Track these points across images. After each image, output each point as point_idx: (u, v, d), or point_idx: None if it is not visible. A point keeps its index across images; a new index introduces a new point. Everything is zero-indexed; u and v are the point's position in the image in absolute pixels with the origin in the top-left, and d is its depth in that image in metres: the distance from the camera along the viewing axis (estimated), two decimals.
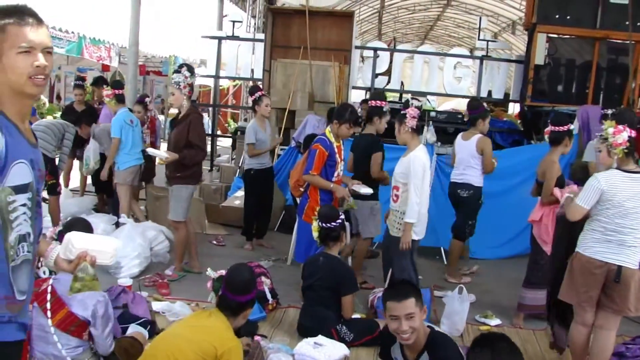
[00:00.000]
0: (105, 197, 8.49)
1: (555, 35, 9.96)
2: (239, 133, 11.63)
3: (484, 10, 21.75)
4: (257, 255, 7.16)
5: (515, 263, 7.09)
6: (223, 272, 3.96)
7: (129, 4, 9.15)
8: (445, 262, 7.36)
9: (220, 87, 14.74)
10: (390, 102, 12.89)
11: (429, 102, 16.43)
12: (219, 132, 16.10)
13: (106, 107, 8.35)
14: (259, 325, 4.92)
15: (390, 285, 3.51)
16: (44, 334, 3.30)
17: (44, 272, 4.00)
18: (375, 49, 10.94)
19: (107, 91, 7.50)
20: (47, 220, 6.63)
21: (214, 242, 7.69)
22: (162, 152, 5.92)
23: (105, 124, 7.82)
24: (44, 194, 6.44)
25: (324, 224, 5.02)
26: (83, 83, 9.65)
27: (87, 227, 3.58)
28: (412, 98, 13.53)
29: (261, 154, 7.25)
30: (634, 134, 3.99)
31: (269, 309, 5.35)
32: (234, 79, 14.26)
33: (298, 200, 6.47)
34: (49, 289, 3.34)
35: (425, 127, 7.81)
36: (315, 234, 5.10)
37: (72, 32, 11.57)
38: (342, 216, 5.16)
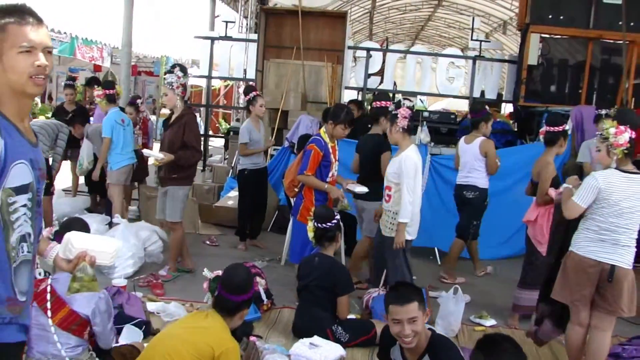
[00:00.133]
0: (99, 197, 8.45)
1: (549, 36, 9.98)
2: (231, 133, 11.60)
3: (475, 10, 21.81)
4: (251, 255, 7.14)
5: (510, 263, 7.10)
6: (219, 272, 3.93)
7: (121, 4, 9.12)
8: (440, 262, 7.38)
9: (212, 88, 14.70)
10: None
11: (422, 102, 16.46)
12: (210, 132, 16.05)
13: (99, 107, 8.30)
14: (254, 325, 4.90)
15: (393, 288, 3.46)
16: (44, 333, 3.28)
17: (40, 274, 3.97)
18: (368, 49, 10.93)
19: (98, 91, 7.44)
20: None
21: (208, 242, 7.66)
22: (157, 153, 5.88)
23: (98, 124, 7.77)
24: None
25: (319, 225, 5.01)
26: (73, 83, 9.59)
27: (84, 227, 3.56)
28: (404, 98, 13.56)
29: (254, 154, 7.23)
30: (634, 135, 4.00)
31: (264, 310, 5.33)
32: (226, 79, 14.23)
33: (292, 200, 6.46)
34: (48, 288, 3.31)
35: (419, 127, 7.80)
36: (310, 235, 5.09)
37: (65, 33, 11.51)
38: (338, 216, 5.15)
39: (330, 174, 5.86)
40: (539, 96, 10.04)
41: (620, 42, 8.90)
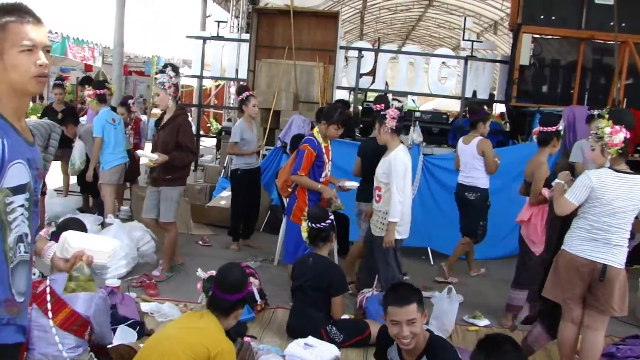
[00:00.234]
0: (92, 197, 8.40)
1: (541, 36, 10.00)
2: (223, 133, 11.57)
3: (465, 10, 21.88)
4: (244, 255, 7.13)
5: (504, 263, 7.13)
6: (213, 272, 3.92)
7: (113, 4, 9.07)
8: (432, 263, 7.40)
9: (203, 88, 14.65)
10: (372, 102, 12.97)
11: (413, 101, 16.47)
12: (201, 132, 16.01)
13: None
14: (248, 326, 4.88)
15: (392, 288, 3.45)
16: (44, 334, 3.26)
17: (34, 274, 3.94)
18: (360, 49, 10.91)
19: (88, 91, 7.39)
20: None
21: (200, 242, 7.64)
22: (152, 154, 5.84)
23: (91, 124, 7.73)
24: None
25: (313, 225, 5.01)
26: (62, 82, 9.54)
27: (81, 227, 3.54)
28: (393, 99, 13.55)
29: (244, 155, 7.22)
30: (629, 135, 4.03)
31: (258, 310, 5.32)
32: (218, 79, 14.19)
33: (285, 200, 6.44)
34: (48, 289, 3.29)
35: (412, 127, 7.81)
36: (304, 235, 5.09)
37: (56, 33, 11.46)
38: (332, 217, 5.14)
39: (323, 174, 5.85)
40: (531, 96, 10.06)
41: (612, 42, 8.93)
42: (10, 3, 2.03)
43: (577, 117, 7.82)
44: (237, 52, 11.08)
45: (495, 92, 11.22)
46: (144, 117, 10.18)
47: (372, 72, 11.02)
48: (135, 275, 6.03)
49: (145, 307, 5.00)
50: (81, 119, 8.92)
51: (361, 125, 11.41)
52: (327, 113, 5.90)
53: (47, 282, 3.35)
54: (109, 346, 3.69)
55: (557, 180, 4.41)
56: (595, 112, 6.28)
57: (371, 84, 11.08)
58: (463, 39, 11.17)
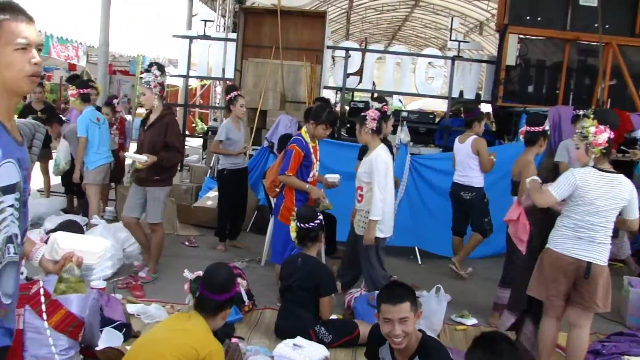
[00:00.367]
0: (77, 198, 8.32)
1: (527, 37, 10.05)
2: (210, 133, 11.52)
3: (451, 11, 21.95)
4: (231, 256, 7.09)
5: (491, 262, 7.16)
6: (200, 273, 3.88)
7: (98, 3, 8.99)
8: (420, 262, 7.41)
9: (189, 87, 14.58)
10: (360, 102, 12.97)
11: (400, 101, 16.51)
12: (187, 132, 15.94)
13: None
14: (235, 327, 4.85)
15: (386, 287, 3.45)
16: (38, 336, 3.23)
17: (22, 273, 3.90)
18: (347, 49, 10.91)
19: (72, 90, 7.31)
20: None
21: (186, 243, 7.59)
22: (141, 156, 5.74)
23: (74, 124, 7.65)
24: None
25: (302, 225, 5.00)
26: (42, 81, 9.44)
27: (79, 230, 3.51)
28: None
29: (230, 154, 7.18)
30: (613, 135, 4.07)
31: (245, 311, 5.29)
32: (204, 78, 14.12)
33: (272, 200, 6.42)
34: (42, 291, 3.25)
35: (399, 127, 7.81)
36: (293, 235, 5.07)
37: (39, 31, 11.31)
38: (321, 217, 5.13)
39: (311, 174, 5.84)
40: (517, 96, 10.11)
41: (596, 43, 9.01)
42: (2, 1, 2.00)
43: (563, 117, 7.87)
44: (223, 51, 11.03)
45: (481, 92, 11.26)
46: (128, 117, 10.09)
47: (359, 72, 11.03)
48: (121, 276, 5.97)
49: (131, 308, 4.95)
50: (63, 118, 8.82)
51: (348, 125, 11.42)
52: (315, 113, 5.89)
53: (41, 283, 3.32)
54: (97, 349, 3.65)
55: (532, 177, 4.48)
56: (581, 112, 6.32)
57: (358, 84, 11.08)
58: (450, 39, 11.20)
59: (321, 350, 4.37)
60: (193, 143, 16.95)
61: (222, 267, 3.73)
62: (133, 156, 5.97)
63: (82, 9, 12.94)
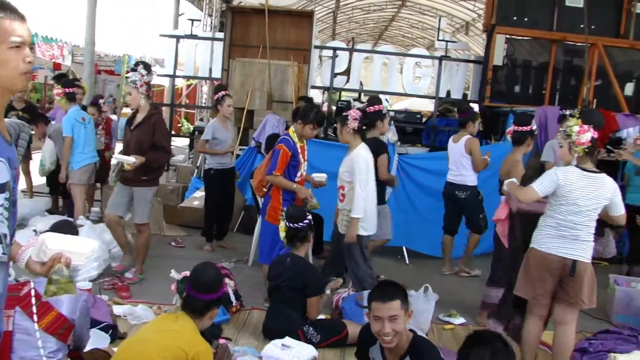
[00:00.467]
0: (62, 198, 8.24)
1: (513, 37, 10.10)
2: (196, 133, 11.46)
3: (438, 11, 22.02)
4: (218, 256, 7.06)
5: (478, 261, 7.16)
6: (187, 273, 3.85)
7: (83, 1, 8.91)
8: (408, 262, 7.42)
9: (175, 87, 14.50)
10: (347, 101, 12.96)
11: (387, 101, 16.50)
12: (173, 132, 15.88)
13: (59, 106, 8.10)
14: (223, 328, 4.82)
15: (378, 285, 3.45)
16: (27, 337, 3.18)
17: (10, 275, 3.85)
18: (334, 49, 10.88)
19: (57, 90, 7.24)
20: None
21: (173, 243, 7.54)
22: (129, 158, 5.67)
23: (60, 123, 7.58)
24: None
25: (291, 225, 4.97)
26: None
27: (73, 230, 3.47)
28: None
29: (217, 154, 7.15)
30: (596, 135, 4.11)
31: (233, 312, 5.27)
32: (191, 78, 14.05)
33: (260, 200, 6.39)
34: (32, 292, 3.21)
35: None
36: (282, 235, 5.05)
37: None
38: (309, 216, 5.11)
39: (298, 174, 5.81)
40: (504, 96, 10.16)
41: (582, 44, 9.07)
42: None
43: (549, 117, 7.92)
44: (210, 51, 10.97)
45: (468, 92, 11.29)
46: (114, 117, 10.01)
47: (347, 72, 11.02)
48: (107, 277, 5.92)
49: (118, 309, 4.91)
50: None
51: (335, 125, 11.39)
52: (303, 113, 5.87)
53: (32, 284, 3.27)
54: (84, 350, 3.61)
55: (511, 180, 4.54)
56: (567, 112, 6.37)
57: (345, 84, 11.07)
58: (437, 39, 11.21)
59: (309, 350, 4.36)
60: (179, 143, 16.89)
61: (209, 266, 3.70)
62: (121, 158, 5.86)
63: (67, 7, 12.84)
